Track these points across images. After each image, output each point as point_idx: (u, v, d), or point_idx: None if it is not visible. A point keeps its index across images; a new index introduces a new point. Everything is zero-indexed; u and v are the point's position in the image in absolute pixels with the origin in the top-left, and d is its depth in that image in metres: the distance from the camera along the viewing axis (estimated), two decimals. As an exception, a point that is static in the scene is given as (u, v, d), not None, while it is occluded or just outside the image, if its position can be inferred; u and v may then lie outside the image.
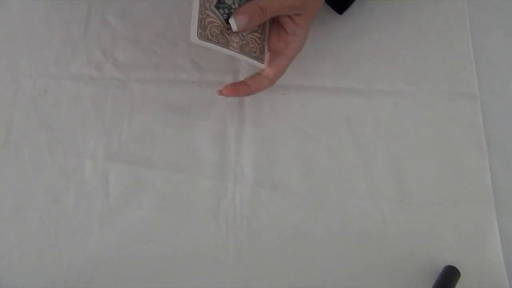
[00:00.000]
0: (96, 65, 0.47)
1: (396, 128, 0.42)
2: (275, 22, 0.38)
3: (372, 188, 0.41)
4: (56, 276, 0.40)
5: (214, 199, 0.42)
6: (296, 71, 0.44)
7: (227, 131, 0.44)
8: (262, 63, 0.38)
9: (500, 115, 0.42)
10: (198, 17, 0.33)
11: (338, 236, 0.40)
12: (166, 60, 0.47)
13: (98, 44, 0.48)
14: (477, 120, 0.42)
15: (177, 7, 0.48)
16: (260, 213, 0.41)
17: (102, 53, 0.47)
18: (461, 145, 0.41)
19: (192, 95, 0.45)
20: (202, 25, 0.33)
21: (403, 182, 0.41)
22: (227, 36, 0.35)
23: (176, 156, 0.43)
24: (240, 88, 0.38)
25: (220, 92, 0.38)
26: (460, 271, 0.37)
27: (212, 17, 0.34)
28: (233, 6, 0.35)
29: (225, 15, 0.34)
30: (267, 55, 0.39)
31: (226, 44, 0.35)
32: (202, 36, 0.33)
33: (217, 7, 0.34)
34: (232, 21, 0.34)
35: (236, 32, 0.35)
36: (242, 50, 0.36)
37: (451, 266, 0.37)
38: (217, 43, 0.34)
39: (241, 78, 0.45)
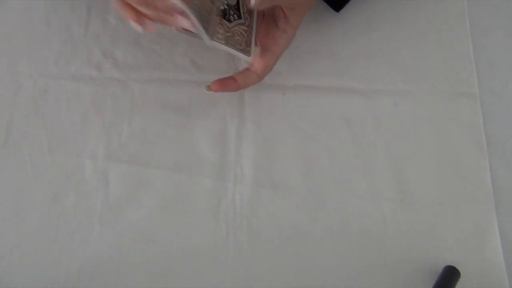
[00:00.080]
0: (96, 65, 0.47)
1: (396, 128, 0.42)
2: (267, 18, 0.38)
3: (372, 188, 0.41)
4: (56, 276, 0.40)
5: (214, 199, 0.42)
6: (295, 71, 0.44)
7: (227, 131, 0.44)
8: (248, 56, 0.38)
9: (500, 115, 0.42)
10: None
11: (338, 236, 0.40)
12: (166, 60, 0.47)
13: (98, 44, 0.48)
14: (477, 120, 0.42)
15: (177, 7, 0.48)
16: (260, 213, 0.41)
17: (102, 53, 0.47)
18: (461, 145, 0.41)
19: (192, 95, 0.45)
20: None
21: (403, 182, 0.41)
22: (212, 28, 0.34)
23: (176, 156, 0.43)
24: (228, 83, 0.39)
25: (209, 88, 0.38)
26: (460, 271, 0.37)
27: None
28: None
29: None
30: (254, 49, 0.38)
31: (212, 35, 0.34)
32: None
33: None
34: None
35: (221, 23, 0.35)
36: (227, 42, 0.36)
37: (451, 266, 0.37)
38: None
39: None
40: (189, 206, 0.42)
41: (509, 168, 0.40)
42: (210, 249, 0.40)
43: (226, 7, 0.36)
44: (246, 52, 0.38)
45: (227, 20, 0.36)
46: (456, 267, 0.37)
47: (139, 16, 0.31)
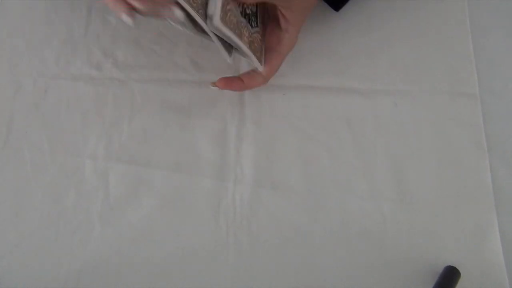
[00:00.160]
0: (96, 65, 0.47)
1: (396, 128, 0.42)
2: (273, 19, 0.38)
3: (372, 188, 0.41)
4: (56, 276, 0.41)
5: (214, 199, 0.42)
6: (295, 70, 0.44)
7: (227, 131, 0.44)
8: (261, 65, 0.38)
9: (500, 115, 0.42)
10: (222, 0, 0.31)
11: (338, 236, 0.40)
12: (166, 60, 0.47)
13: (98, 44, 0.48)
14: (477, 120, 0.42)
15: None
16: (260, 213, 0.41)
17: (102, 53, 0.47)
18: (461, 145, 0.41)
19: (192, 95, 0.45)
20: (224, 10, 0.31)
21: (403, 182, 0.41)
22: (240, 29, 0.34)
23: (176, 156, 0.43)
24: (234, 83, 0.39)
25: (214, 84, 0.39)
26: (460, 271, 0.37)
27: (231, 4, 0.32)
28: None
29: (239, 8, 0.34)
30: (264, 58, 0.38)
31: (240, 36, 0.34)
32: (223, 20, 0.31)
33: None
34: None
35: (247, 27, 0.35)
36: (250, 46, 0.36)
37: (451, 266, 0.37)
38: (234, 33, 0.33)
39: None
40: (189, 206, 0.42)
41: (509, 168, 0.40)
42: (210, 249, 0.40)
43: (251, 12, 0.36)
44: (260, 61, 0.38)
45: (250, 26, 0.36)
46: (456, 267, 0.37)
47: (131, 9, 0.31)
